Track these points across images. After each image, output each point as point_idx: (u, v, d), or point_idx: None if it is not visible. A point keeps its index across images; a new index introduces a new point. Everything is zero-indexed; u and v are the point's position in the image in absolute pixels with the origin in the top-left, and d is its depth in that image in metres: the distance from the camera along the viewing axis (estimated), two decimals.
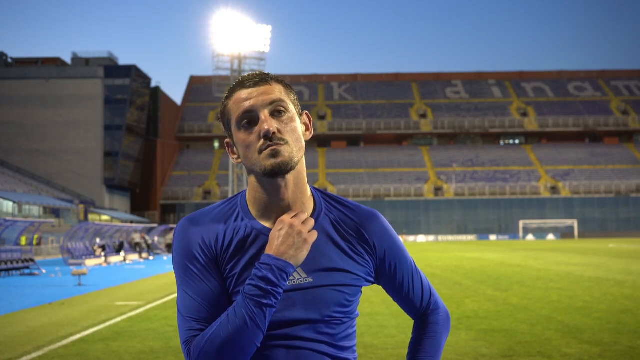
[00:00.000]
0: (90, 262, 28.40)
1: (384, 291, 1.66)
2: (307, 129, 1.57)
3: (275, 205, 1.51)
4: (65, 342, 8.33)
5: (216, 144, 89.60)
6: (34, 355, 7.47)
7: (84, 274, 17.78)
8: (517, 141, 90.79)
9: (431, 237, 76.71)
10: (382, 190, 78.86)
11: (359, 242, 1.55)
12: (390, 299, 1.82)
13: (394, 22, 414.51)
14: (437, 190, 79.92)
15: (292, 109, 1.52)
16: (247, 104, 1.48)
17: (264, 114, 1.47)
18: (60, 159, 69.41)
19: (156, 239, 45.91)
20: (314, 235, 1.48)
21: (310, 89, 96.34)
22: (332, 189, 76.24)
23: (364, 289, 1.61)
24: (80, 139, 70.19)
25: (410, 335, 1.75)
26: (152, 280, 19.53)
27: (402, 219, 76.83)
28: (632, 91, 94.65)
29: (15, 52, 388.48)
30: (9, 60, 76.04)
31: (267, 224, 1.52)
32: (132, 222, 62.50)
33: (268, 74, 1.54)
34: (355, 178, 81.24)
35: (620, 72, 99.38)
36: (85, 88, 70.71)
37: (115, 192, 73.45)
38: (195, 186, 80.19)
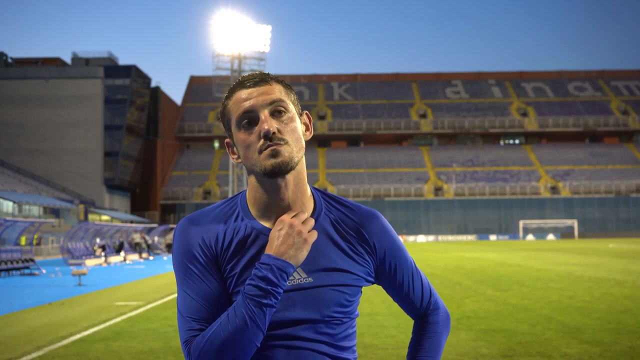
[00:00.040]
0: (90, 262, 28.41)
1: (384, 291, 1.66)
2: (307, 129, 1.57)
3: (275, 205, 1.51)
4: (65, 342, 8.33)
5: (216, 144, 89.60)
6: (34, 355, 7.47)
7: (84, 274, 17.78)
8: (517, 141, 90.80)
9: (431, 237, 76.72)
10: (382, 190, 78.86)
11: (359, 242, 1.55)
12: (390, 299, 1.82)
13: (394, 22, 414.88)
14: (437, 190, 79.93)
15: (292, 109, 1.52)
16: (247, 104, 1.48)
17: (264, 114, 1.47)
18: (60, 159, 69.42)
19: (156, 239, 45.91)
20: (314, 235, 1.47)
21: (310, 89, 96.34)
22: (332, 189, 76.25)
23: (364, 289, 1.61)
24: (80, 139, 70.20)
25: (410, 335, 1.75)
26: (152, 280, 19.53)
27: (402, 219, 76.83)
28: (632, 91, 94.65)
29: (15, 52, 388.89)
30: (9, 60, 76.04)
31: (267, 224, 1.52)
32: (132, 222, 62.50)
33: (268, 74, 1.54)
34: (355, 178, 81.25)
35: (620, 72, 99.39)
36: (85, 88, 70.72)
37: (115, 192, 73.45)
38: (195, 186, 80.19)
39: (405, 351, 6.52)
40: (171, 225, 55.07)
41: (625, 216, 78.08)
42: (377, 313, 10.29)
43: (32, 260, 24.17)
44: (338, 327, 1.50)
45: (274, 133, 1.45)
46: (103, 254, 31.23)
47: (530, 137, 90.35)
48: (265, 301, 1.39)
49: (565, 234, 76.26)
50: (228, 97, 1.53)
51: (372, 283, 1.61)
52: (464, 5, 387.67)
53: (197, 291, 1.46)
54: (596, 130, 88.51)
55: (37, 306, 12.47)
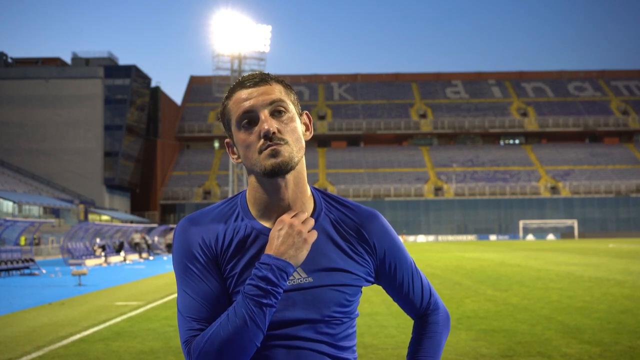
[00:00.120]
0: (90, 262, 28.41)
1: (384, 291, 1.66)
2: (307, 129, 1.57)
3: (275, 205, 1.51)
4: (65, 342, 8.33)
5: (216, 144, 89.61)
6: (34, 355, 7.47)
7: (84, 274, 17.78)
8: (517, 141, 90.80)
9: (431, 237, 76.72)
10: (382, 190, 78.87)
11: (359, 242, 1.56)
12: (390, 299, 1.82)
13: (394, 22, 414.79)
14: (437, 190, 79.94)
15: (292, 109, 1.52)
16: (247, 104, 1.48)
17: (264, 114, 1.48)
18: (60, 159, 69.42)
19: (156, 239, 45.91)
20: (314, 235, 1.48)
21: (310, 89, 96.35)
22: (332, 189, 76.25)
23: (364, 289, 1.61)
24: (80, 139, 70.20)
25: (410, 335, 1.75)
26: (152, 280, 19.54)
27: (402, 219, 76.83)
28: (632, 91, 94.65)
29: (15, 52, 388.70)
30: (9, 60, 76.05)
31: (267, 224, 1.52)
32: (132, 222, 62.51)
33: (268, 74, 1.54)
34: (355, 178, 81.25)
35: (620, 72, 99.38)
36: (85, 88, 70.72)
37: (115, 192, 73.46)
38: (195, 186, 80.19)
39: (405, 351, 6.52)
40: (171, 225, 55.06)
41: (625, 216, 78.08)
42: (377, 313, 10.29)
43: (32, 260, 24.17)
44: (338, 327, 1.50)
45: (274, 133, 1.45)
46: (103, 254, 31.23)
47: (530, 137, 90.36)
48: (265, 301, 1.39)
49: (565, 234, 76.26)
50: (228, 97, 1.53)
51: (372, 283, 1.61)
52: (464, 5, 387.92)
53: (197, 291, 1.46)
54: (596, 130, 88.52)
55: (37, 306, 12.47)
